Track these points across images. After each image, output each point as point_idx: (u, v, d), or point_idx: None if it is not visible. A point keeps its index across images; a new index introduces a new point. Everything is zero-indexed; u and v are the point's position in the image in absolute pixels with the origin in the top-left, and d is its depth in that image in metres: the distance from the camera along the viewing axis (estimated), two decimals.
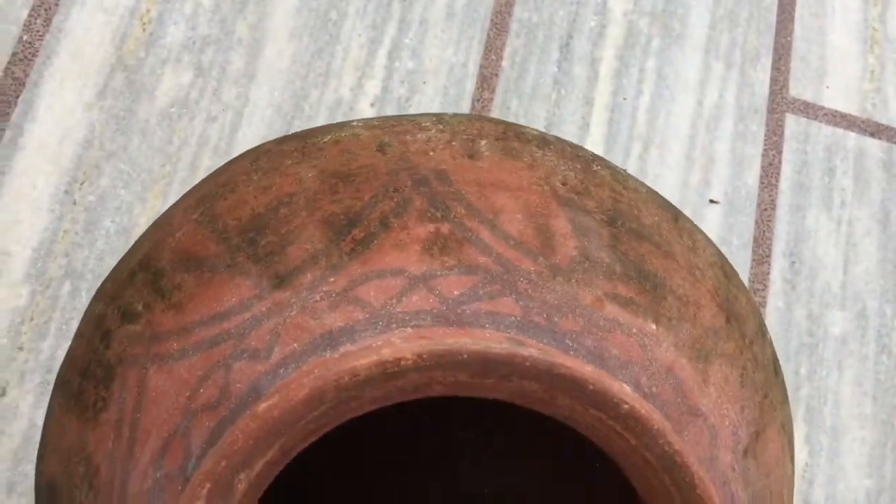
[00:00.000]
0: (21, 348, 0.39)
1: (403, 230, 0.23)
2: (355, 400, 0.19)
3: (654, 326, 0.26)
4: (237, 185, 0.25)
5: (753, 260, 0.48)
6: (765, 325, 0.30)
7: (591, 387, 0.20)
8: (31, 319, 0.40)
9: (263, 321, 0.22)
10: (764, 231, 0.48)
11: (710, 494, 0.21)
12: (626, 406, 0.21)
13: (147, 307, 0.24)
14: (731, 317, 0.29)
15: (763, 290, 0.47)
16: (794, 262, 0.48)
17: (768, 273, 0.48)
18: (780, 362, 0.46)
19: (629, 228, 0.26)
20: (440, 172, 0.24)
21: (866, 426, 0.46)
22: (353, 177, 0.24)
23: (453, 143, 0.25)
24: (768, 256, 0.48)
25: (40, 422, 0.38)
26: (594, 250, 0.25)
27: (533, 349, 0.20)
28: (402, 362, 0.20)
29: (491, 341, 0.20)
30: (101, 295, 0.26)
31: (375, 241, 0.23)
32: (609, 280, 0.24)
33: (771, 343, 0.30)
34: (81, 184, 0.42)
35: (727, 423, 0.27)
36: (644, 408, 0.21)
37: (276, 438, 0.19)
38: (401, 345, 0.20)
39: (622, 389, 0.21)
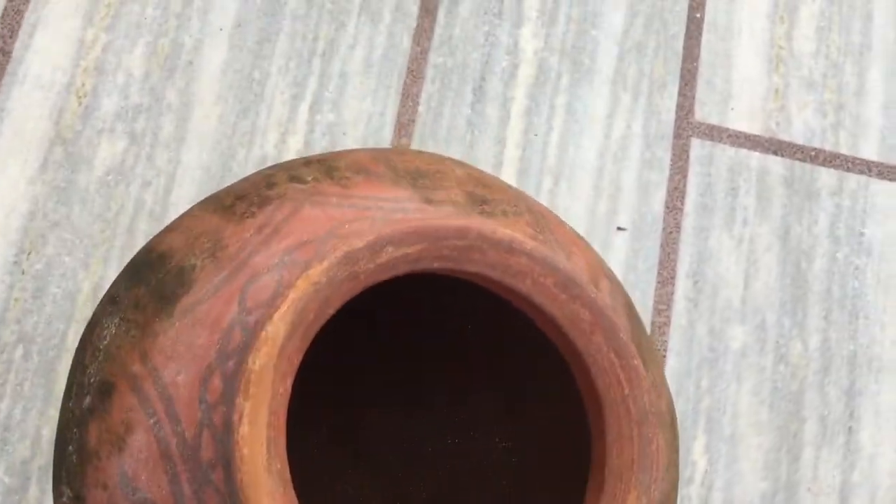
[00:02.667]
0: None
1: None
2: (449, 248, 0.30)
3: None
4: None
5: (658, 282, 0.52)
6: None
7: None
8: None
9: (397, 211, 0.32)
10: (669, 253, 0.52)
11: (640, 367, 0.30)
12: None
13: (315, 179, 0.34)
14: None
15: (667, 309, 0.51)
16: (696, 282, 0.52)
17: (672, 293, 0.51)
18: (682, 377, 0.50)
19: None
20: None
21: (763, 432, 0.50)
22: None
23: None
24: (672, 278, 0.52)
25: (2, 475, 0.43)
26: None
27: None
28: (444, 230, 0.30)
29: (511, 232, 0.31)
30: (274, 167, 0.36)
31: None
32: None
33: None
34: (28, 254, 0.46)
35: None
36: (603, 300, 0.31)
37: (386, 245, 0.29)
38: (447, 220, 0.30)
39: (591, 287, 0.31)
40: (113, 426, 0.30)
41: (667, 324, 0.51)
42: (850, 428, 0.50)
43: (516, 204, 0.36)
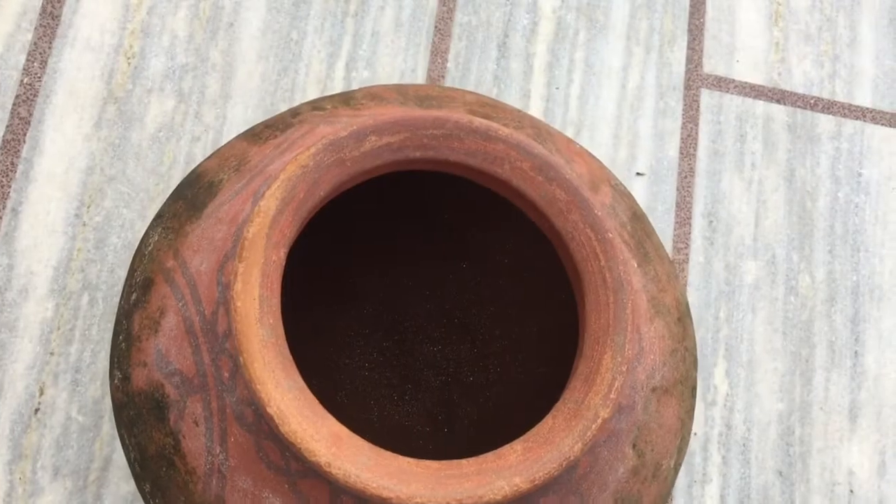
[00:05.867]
0: (52, 353, 0.46)
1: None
2: (428, 137, 0.33)
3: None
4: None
5: (676, 222, 0.55)
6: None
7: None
8: (58, 328, 0.46)
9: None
10: (685, 196, 0.56)
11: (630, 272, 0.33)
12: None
13: (334, 107, 0.37)
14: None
15: (685, 248, 0.55)
16: (711, 221, 0.55)
17: (689, 233, 0.55)
18: (702, 309, 0.54)
19: None
20: None
21: (777, 358, 0.54)
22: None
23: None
24: (689, 218, 0.55)
25: (75, 414, 0.45)
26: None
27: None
28: (423, 120, 0.33)
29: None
30: (303, 103, 0.40)
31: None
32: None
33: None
34: (88, 207, 0.48)
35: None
36: (577, 181, 0.33)
37: (369, 134, 0.32)
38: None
39: (566, 168, 0.34)
40: (151, 313, 0.33)
41: (686, 261, 0.55)
42: (856, 352, 0.54)
43: (520, 120, 0.39)
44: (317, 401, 0.30)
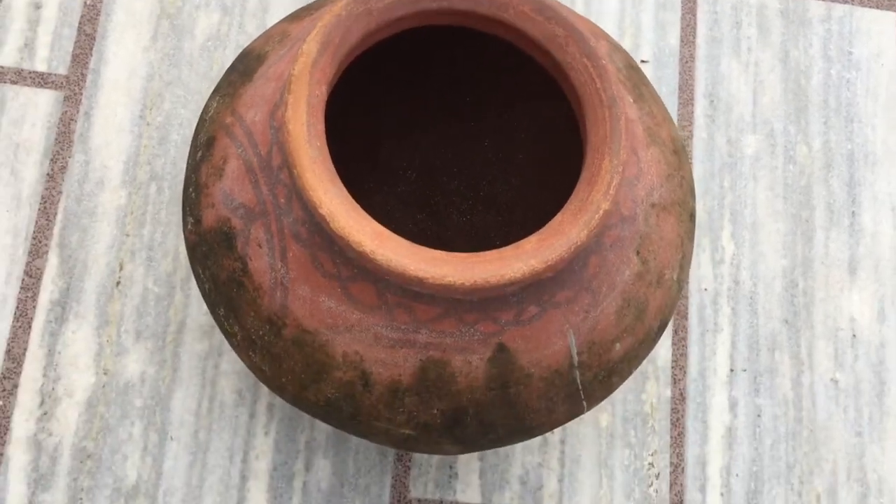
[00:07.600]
0: (127, 235, 0.52)
1: None
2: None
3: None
4: None
5: (680, 103, 0.60)
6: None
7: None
8: (132, 213, 0.53)
9: None
10: (686, 79, 0.61)
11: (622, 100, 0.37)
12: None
13: None
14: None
15: (689, 125, 0.60)
16: (712, 101, 0.60)
17: (692, 112, 0.60)
18: (707, 179, 0.59)
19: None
20: None
21: (779, 220, 0.58)
22: None
23: None
24: (692, 99, 0.60)
25: (151, 286, 0.52)
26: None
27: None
28: None
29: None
30: None
31: None
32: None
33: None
34: (150, 109, 0.54)
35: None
36: (573, 17, 0.38)
37: None
38: None
39: (563, 8, 0.38)
40: (215, 163, 0.39)
41: (690, 137, 0.60)
42: (853, 212, 0.59)
43: None
44: (359, 207, 0.36)
